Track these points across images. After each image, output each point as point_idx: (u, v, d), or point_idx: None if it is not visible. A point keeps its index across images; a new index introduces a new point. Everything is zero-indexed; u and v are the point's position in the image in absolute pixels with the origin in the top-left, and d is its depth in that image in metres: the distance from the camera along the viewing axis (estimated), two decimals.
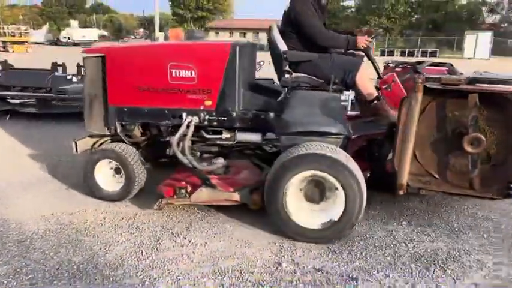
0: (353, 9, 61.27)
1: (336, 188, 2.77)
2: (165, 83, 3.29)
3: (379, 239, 2.94)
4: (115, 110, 3.49)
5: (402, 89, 3.31)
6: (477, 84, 2.65)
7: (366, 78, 3.30)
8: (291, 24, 3.32)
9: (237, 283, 2.40)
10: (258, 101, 3.35)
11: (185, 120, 3.25)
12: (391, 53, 38.56)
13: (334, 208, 2.80)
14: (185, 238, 2.91)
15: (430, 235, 3.00)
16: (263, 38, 51.87)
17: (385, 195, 3.73)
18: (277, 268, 2.56)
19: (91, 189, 3.56)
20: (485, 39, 35.76)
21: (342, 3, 58.63)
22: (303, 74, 3.34)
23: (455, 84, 2.64)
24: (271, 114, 3.21)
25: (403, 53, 38.84)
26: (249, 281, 2.42)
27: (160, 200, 3.18)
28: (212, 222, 3.17)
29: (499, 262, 2.65)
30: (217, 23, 57.31)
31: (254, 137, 3.36)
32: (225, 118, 3.29)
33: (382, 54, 39.18)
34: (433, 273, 2.52)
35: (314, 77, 3.32)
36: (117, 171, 3.51)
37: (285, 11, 3.42)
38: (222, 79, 3.21)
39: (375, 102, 3.32)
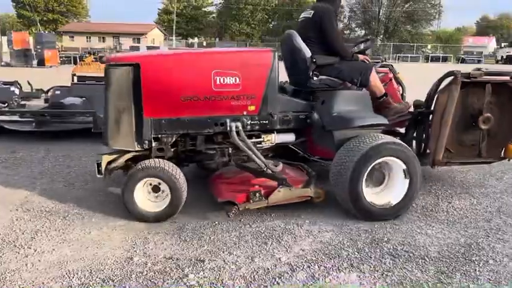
0: (214, 15, 62.78)
1: (404, 170, 3.27)
2: (208, 91, 3.25)
3: (227, 224, 3.22)
4: (151, 122, 3.24)
5: (394, 85, 4.08)
6: (489, 77, 3.65)
7: (377, 78, 3.79)
8: (316, 32, 3.67)
9: (87, 282, 2.43)
10: (292, 103, 3.60)
11: (230, 127, 3.27)
12: None
13: (396, 189, 3.34)
14: (30, 248, 2.80)
15: (271, 215, 3.39)
16: (125, 42, 50.11)
17: None
18: (128, 263, 2.64)
19: (133, 212, 3.20)
20: None
21: (203, 9, 59.61)
22: (325, 77, 3.67)
23: (478, 77, 3.58)
24: (315, 115, 3.54)
25: None
26: (99, 278, 2.46)
27: (235, 207, 3.16)
28: (61, 229, 3.09)
29: (323, 230, 3.13)
30: (72, 26, 53.38)
31: (290, 138, 3.63)
32: (267, 121, 3.45)
33: None
34: (270, 245, 2.88)
35: (336, 79, 3.69)
36: (155, 189, 3.24)
37: (306, 19, 3.77)
38: (264, 84, 3.36)
39: (384, 98, 3.83)
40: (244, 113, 3.38)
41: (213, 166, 3.79)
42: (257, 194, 3.28)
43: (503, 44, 50.80)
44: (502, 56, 43.32)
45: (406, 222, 3.28)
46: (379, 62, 4.96)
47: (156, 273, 2.53)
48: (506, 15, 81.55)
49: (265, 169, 3.41)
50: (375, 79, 3.76)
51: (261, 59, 3.43)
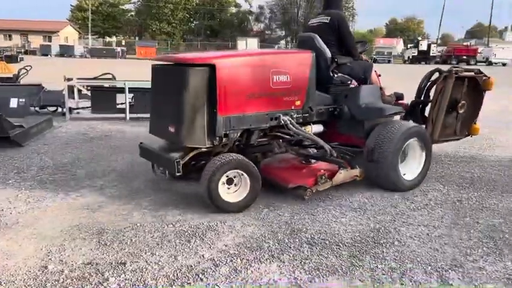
0: (133, 13, 60.72)
1: (421, 148, 4.12)
2: (268, 89, 3.62)
3: (149, 225, 3.18)
4: (224, 120, 3.43)
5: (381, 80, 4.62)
6: (465, 73, 4.61)
7: (375, 75, 4.46)
8: (335, 35, 4.21)
9: None
10: (323, 98, 4.08)
11: (284, 119, 3.68)
12: None
13: (416, 162, 4.16)
14: None
15: (194, 214, 3.41)
16: (35, 41, 46.67)
17: (155, 185, 4.03)
18: (43, 271, 2.51)
19: (217, 205, 3.37)
20: (253, 44, 40.69)
21: (121, 7, 57.35)
22: (341, 74, 4.19)
23: (460, 73, 4.53)
24: (345, 107, 4.03)
25: None
26: None
27: (309, 190, 3.60)
28: None
29: (245, 224, 3.22)
30: None
31: (320, 129, 4.10)
32: (307, 115, 3.91)
33: None
34: (194, 243, 2.90)
35: (347, 76, 4.19)
36: (229, 182, 3.45)
37: (323, 24, 4.26)
38: (307, 81, 3.85)
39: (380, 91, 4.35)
40: (292, 107, 3.82)
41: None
42: (323, 177, 3.73)
43: (409, 45, 55.15)
44: (408, 56, 47.08)
45: (322, 213, 3.48)
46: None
47: (74, 280, 2.43)
48: (412, 19, 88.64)
49: (329, 154, 3.90)
50: (374, 75, 4.45)
51: (304, 59, 3.90)
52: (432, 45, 46.61)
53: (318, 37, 4.15)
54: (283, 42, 61.18)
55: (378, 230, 3.17)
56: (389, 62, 46.10)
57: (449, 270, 2.60)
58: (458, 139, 5.00)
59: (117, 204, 3.60)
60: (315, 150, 4.28)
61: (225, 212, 3.38)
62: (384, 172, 3.91)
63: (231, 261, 2.67)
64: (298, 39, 4.54)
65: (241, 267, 2.60)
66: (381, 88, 4.41)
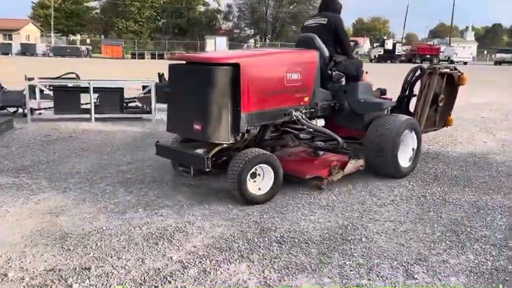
0: (98, 11, 59.29)
1: (409, 140, 4.47)
2: (282, 86, 3.85)
3: (116, 228, 3.10)
4: (246, 116, 3.58)
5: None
6: (444, 70, 5.11)
7: (363, 72, 4.73)
8: (332, 36, 4.48)
9: None
10: (325, 94, 4.36)
11: (295, 115, 3.91)
12: (141, 56, 39.38)
13: (410, 151, 4.51)
14: None
15: (162, 215, 3.35)
16: (16, 39, 44.62)
17: (122, 187, 3.94)
18: (2, 280, 2.40)
19: (245, 198, 3.53)
20: (222, 42, 40.51)
21: (85, 4, 55.88)
22: (337, 72, 4.45)
23: (441, 69, 5.00)
24: (345, 102, 4.37)
25: (153, 56, 40.16)
26: None
27: (324, 180, 3.93)
28: None
29: (215, 225, 3.19)
30: None
31: (322, 123, 4.35)
32: (313, 110, 4.18)
33: (133, 57, 39.70)
34: (161, 245, 2.85)
35: (342, 73, 4.46)
36: (252, 175, 3.57)
37: (320, 25, 4.54)
38: (314, 79, 4.12)
39: None
40: (301, 103, 4.06)
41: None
42: (336, 168, 4.04)
43: (375, 45, 56.40)
44: (375, 55, 48.05)
45: (292, 211, 3.50)
46: None
47: (35, 287, 2.34)
48: (378, 18, 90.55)
49: (341, 146, 4.24)
50: (364, 73, 4.78)
51: (311, 58, 4.16)
52: (397, 45, 47.78)
53: (318, 37, 4.40)
54: (252, 41, 61.25)
55: (346, 227, 3.21)
56: None
57: (415, 265, 2.66)
58: (436, 130, 5.45)
59: (81, 207, 3.49)
60: (322, 143, 4.60)
61: (251, 204, 3.55)
62: (385, 161, 4.24)
63: (200, 262, 2.64)
64: (298, 39, 4.74)
65: (210, 269, 2.57)
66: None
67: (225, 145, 3.69)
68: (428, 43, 56.51)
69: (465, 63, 41.98)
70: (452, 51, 45.77)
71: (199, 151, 3.67)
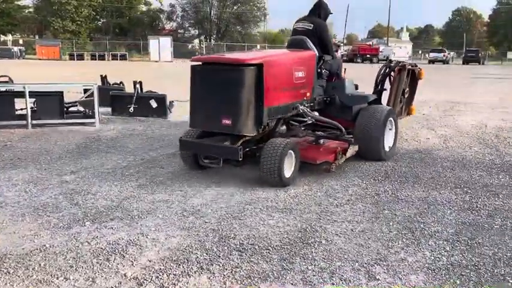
0: (31, 10, 55.96)
1: (391, 127, 5.20)
2: (292, 83, 4.38)
3: (61, 245, 2.86)
4: (267, 110, 4.05)
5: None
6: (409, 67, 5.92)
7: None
8: (317, 39, 4.98)
9: None
10: (318, 90, 4.94)
11: (301, 108, 4.47)
12: (80, 57, 37.60)
13: (390, 136, 5.23)
14: None
15: (112, 228, 3.14)
16: None
17: (65, 199, 3.67)
18: None
19: (282, 180, 3.99)
20: (166, 43, 39.58)
21: (17, 3, 52.49)
22: (325, 70, 5.02)
23: (407, 66, 5.84)
24: (337, 97, 5.04)
25: (93, 57, 38.47)
26: None
27: (332, 164, 4.41)
28: None
29: (170, 236, 3.03)
30: None
31: (317, 115, 4.93)
32: (313, 104, 4.79)
33: (72, 58, 37.78)
34: (114, 261, 2.66)
35: (328, 71, 5.07)
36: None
37: (307, 30, 5.04)
38: (313, 76, 4.73)
39: None
40: (304, 98, 4.63)
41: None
42: (340, 153, 4.56)
43: None
44: None
45: (250, 216, 3.41)
46: None
47: None
48: None
49: (344, 133, 4.93)
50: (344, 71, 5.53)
51: (311, 57, 4.79)
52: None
53: (308, 40, 4.92)
54: (196, 41, 60.59)
55: (305, 230, 3.18)
56: None
57: (375, 265, 2.67)
58: (401, 118, 6.25)
59: (20, 224, 3.19)
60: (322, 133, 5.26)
61: (283, 186, 4.03)
62: (372, 146, 4.89)
63: (157, 277, 2.48)
64: (290, 41, 5.20)
65: (168, 284, 2.42)
66: None
67: (247, 137, 4.10)
68: (368, 43, 58.74)
69: None
70: (390, 51, 47.86)
71: (227, 143, 4.09)
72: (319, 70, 4.94)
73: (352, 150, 4.75)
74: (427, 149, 5.79)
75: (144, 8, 60.10)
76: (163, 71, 24.23)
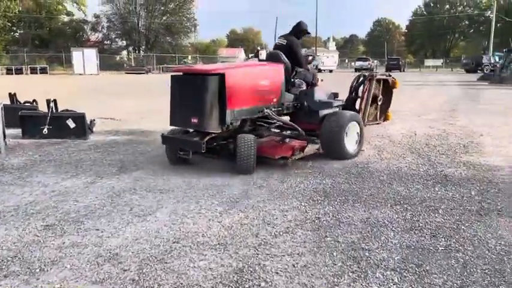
0: None
1: (357, 132, 5.84)
2: (256, 90, 5.25)
3: None
4: (230, 112, 4.89)
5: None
6: (379, 76, 6.60)
7: (319, 80, 6.23)
8: (289, 53, 5.82)
9: None
10: (289, 96, 5.71)
11: (266, 111, 5.27)
12: None
13: (354, 138, 5.84)
14: None
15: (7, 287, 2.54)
16: None
17: None
18: None
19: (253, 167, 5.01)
20: (91, 55, 37.62)
21: None
22: (298, 80, 5.95)
23: (378, 76, 6.53)
24: (305, 103, 5.77)
25: (9, 71, 35.52)
26: None
27: (288, 159, 5.24)
28: None
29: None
30: None
31: (288, 118, 5.84)
32: (281, 108, 5.58)
33: None
34: None
35: (302, 81, 5.96)
36: None
37: (281, 45, 6.00)
38: (281, 84, 5.52)
39: None
40: (271, 103, 5.39)
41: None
42: (298, 150, 5.43)
43: (250, 55, 58.21)
44: None
45: (177, 257, 2.95)
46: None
47: None
48: (250, 29, 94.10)
49: (301, 134, 5.66)
50: (319, 81, 6.23)
51: (278, 69, 5.58)
52: None
53: (282, 53, 5.77)
54: (125, 52, 58.51)
55: (242, 270, 2.79)
56: None
57: None
58: (379, 123, 6.96)
59: None
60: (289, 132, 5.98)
61: (250, 174, 4.95)
62: (334, 147, 5.56)
63: None
64: (269, 54, 6.23)
65: None
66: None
67: (213, 134, 4.92)
68: None
69: (331, 71, 45.60)
70: (319, 60, 49.32)
71: (197, 138, 4.93)
72: (292, 80, 5.88)
73: (310, 148, 5.60)
74: (362, 161, 5.67)
75: (66, 18, 56.96)
76: (87, 84, 22.82)
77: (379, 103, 6.60)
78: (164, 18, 57.99)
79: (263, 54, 50.86)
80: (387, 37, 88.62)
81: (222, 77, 4.76)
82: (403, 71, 47.21)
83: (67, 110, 7.71)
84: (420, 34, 79.60)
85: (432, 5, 79.34)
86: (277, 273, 2.76)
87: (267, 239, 3.28)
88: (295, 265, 2.86)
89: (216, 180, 4.76)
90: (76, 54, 37.43)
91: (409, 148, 6.55)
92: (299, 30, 6.13)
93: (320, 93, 5.96)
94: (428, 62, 61.47)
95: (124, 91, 18.62)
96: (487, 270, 2.79)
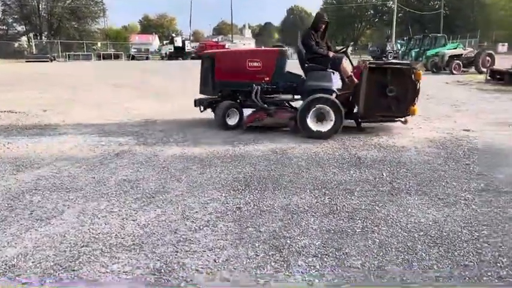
0: None
1: (331, 117, 6.32)
2: (245, 69, 6.73)
3: None
4: (218, 82, 6.82)
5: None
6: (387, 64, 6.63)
7: (346, 66, 7.03)
8: (302, 43, 6.98)
9: None
10: (289, 77, 6.90)
11: (254, 87, 6.63)
12: None
13: (329, 120, 6.32)
14: None
15: None
16: None
17: None
18: None
19: (226, 125, 6.84)
20: None
21: None
22: (312, 64, 6.82)
23: (382, 64, 6.65)
24: (300, 83, 6.79)
25: None
26: None
27: (245, 124, 6.75)
28: None
29: None
30: None
31: (289, 97, 7.00)
32: (275, 86, 6.83)
33: None
34: None
35: (319, 65, 6.75)
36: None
37: (299, 36, 7.16)
38: (274, 66, 6.81)
39: (349, 78, 6.88)
40: (263, 81, 6.72)
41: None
42: (257, 119, 6.72)
43: (165, 42, 56.38)
44: (166, 53, 47.94)
45: (87, 263, 2.67)
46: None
47: None
48: (165, 16, 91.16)
49: (259, 107, 6.79)
50: (344, 66, 6.93)
51: (272, 53, 7.13)
52: (186, 42, 48.83)
53: (300, 42, 6.96)
54: (24, 38, 53.49)
55: (160, 271, 2.61)
56: (147, 58, 46.04)
57: None
58: (396, 117, 6.54)
59: None
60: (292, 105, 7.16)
61: (226, 130, 6.77)
62: (301, 126, 6.32)
63: None
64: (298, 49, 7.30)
65: None
66: (351, 76, 6.86)
67: (212, 98, 7.08)
68: (214, 40, 59.68)
69: None
70: (236, 48, 49.36)
71: (203, 100, 7.20)
72: (306, 65, 6.81)
73: (271, 120, 6.66)
74: (281, 148, 5.70)
75: None
76: None
77: (390, 94, 6.18)
78: (68, 1, 53.89)
79: (179, 41, 49.45)
80: (301, 25, 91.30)
81: (212, 57, 6.96)
82: None
83: None
84: (330, 22, 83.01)
85: None
86: (197, 270, 2.62)
87: (187, 234, 3.12)
88: (217, 260, 2.75)
89: (129, 175, 4.47)
90: None
91: None
92: (314, 21, 7.15)
93: (319, 77, 6.63)
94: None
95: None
96: (400, 248, 2.90)
